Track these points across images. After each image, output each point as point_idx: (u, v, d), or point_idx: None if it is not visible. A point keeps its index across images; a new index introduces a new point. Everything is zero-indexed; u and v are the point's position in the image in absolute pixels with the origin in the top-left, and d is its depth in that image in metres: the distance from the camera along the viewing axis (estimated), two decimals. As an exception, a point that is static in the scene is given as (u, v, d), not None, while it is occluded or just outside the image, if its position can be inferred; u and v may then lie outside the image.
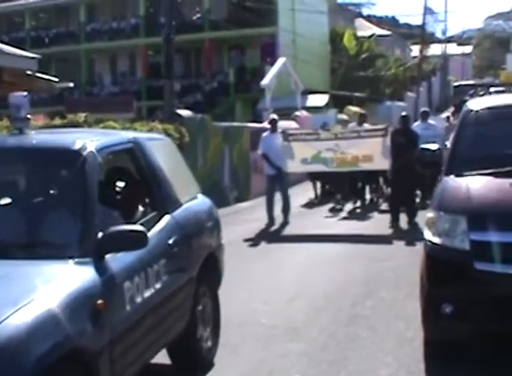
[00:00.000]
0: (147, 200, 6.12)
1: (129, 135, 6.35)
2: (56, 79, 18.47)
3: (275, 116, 16.66)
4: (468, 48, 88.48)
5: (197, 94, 41.42)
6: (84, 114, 15.52)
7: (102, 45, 46.12)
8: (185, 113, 19.71)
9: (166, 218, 5.97)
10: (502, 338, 6.34)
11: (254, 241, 13.81)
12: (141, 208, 6.01)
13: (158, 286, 5.31)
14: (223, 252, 7.34)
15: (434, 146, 7.65)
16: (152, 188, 6.04)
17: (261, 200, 16.58)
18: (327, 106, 37.38)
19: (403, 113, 15.69)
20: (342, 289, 9.58)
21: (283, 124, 24.07)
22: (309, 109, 33.30)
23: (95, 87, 47.32)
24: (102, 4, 46.70)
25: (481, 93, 49.43)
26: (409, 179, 14.20)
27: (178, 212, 6.23)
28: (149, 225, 5.50)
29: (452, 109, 22.33)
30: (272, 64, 34.09)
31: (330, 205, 18.51)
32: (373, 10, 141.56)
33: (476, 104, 7.77)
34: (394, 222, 14.48)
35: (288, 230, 15.01)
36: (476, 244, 5.90)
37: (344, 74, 46.54)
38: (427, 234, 6.37)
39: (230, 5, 42.05)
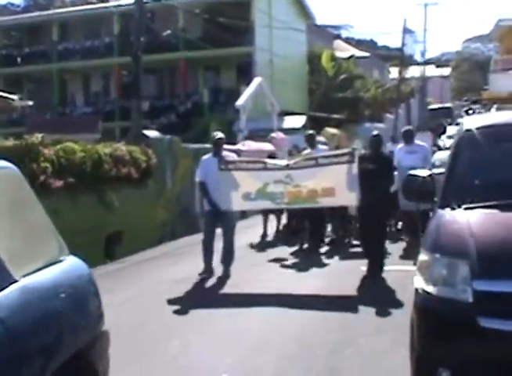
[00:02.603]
0: None
1: None
2: (15, 97, 17.60)
3: (220, 134, 13.02)
4: (447, 71, 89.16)
5: (171, 115, 40.54)
6: (40, 135, 14.51)
7: (74, 64, 44.85)
8: (152, 134, 18.69)
9: None
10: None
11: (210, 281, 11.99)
12: None
13: None
14: (105, 346, 4.94)
15: (424, 172, 6.42)
16: None
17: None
18: (304, 127, 36.47)
19: (374, 133, 12.71)
20: (316, 335, 8.39)
21: (257, 145, 23.15)
22: (286, 130, 32.40)
23: (67, 107, 46.00)
24: (76, 22, 45.66)
25: (465, 109, 49.16)
26: (381, 217, 11.84)
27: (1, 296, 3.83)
28: None
29: (429, 133, 21.18)
30: (247, 84, 33.20)
31: (284, 247, 15.57)
32: (351, 32, 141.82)
33: (474, 123, 6.57)
34: (372, 266, 11.72)
35: (240, 280, 12.05)
36: (481, 295, 4.77)
37: (322, 95, 45.82)
38: (419, 281, 5.20)
39: (205, 24, 41.07)
